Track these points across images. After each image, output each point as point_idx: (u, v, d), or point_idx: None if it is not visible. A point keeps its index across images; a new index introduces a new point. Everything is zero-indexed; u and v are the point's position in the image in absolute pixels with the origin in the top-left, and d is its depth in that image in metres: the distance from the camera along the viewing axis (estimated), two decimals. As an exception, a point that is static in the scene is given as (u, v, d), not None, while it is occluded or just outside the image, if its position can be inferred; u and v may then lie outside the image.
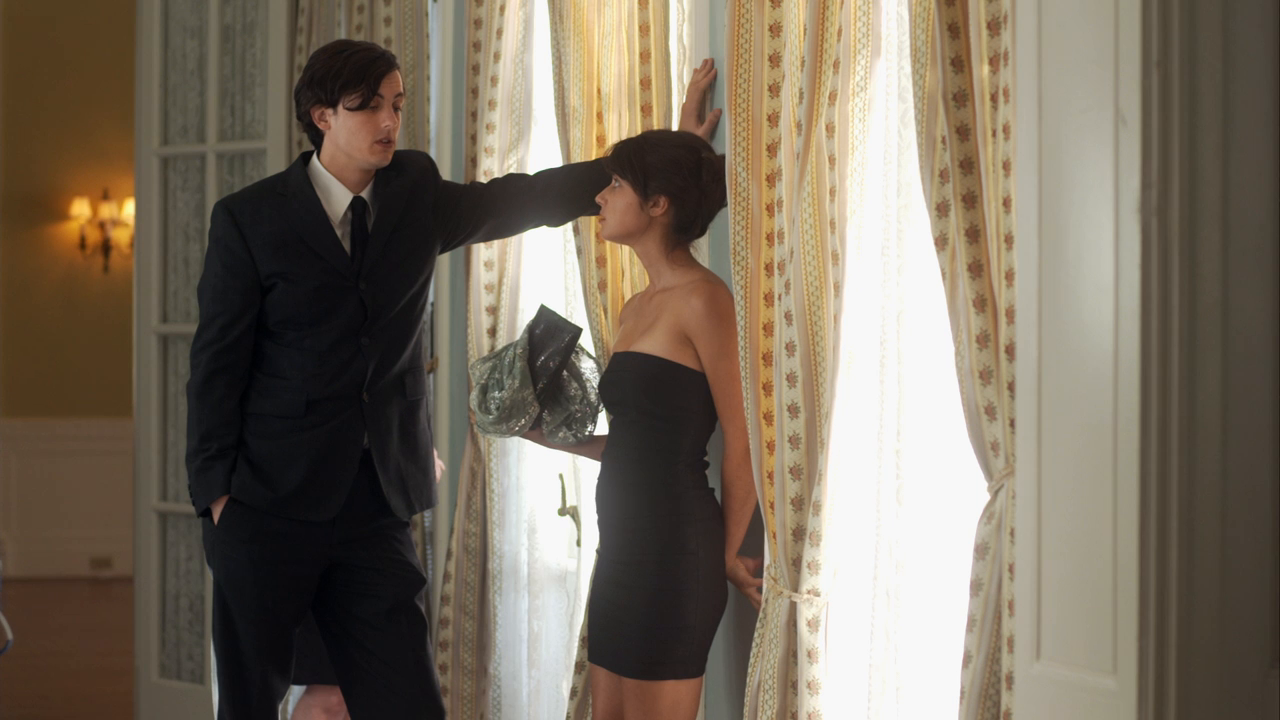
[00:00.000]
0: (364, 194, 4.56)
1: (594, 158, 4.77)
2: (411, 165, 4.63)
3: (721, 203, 4.37)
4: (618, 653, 4.32)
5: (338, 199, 4.55)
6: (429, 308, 4.77)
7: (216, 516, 4.53)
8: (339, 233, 4.54)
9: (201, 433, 4.54)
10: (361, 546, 4.57)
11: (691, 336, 4.30)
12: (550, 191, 4.70)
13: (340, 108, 4.48)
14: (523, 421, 4.59)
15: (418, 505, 4.64)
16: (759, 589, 4.27)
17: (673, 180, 4.33)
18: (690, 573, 4.27)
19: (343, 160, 4.53)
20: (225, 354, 4.53)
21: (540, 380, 4.57)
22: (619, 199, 4.37)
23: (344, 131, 4.49)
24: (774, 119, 4.15)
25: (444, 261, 5.60)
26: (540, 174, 4.76)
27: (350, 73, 4.46)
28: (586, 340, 4.80)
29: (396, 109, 4.52)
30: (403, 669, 4.55)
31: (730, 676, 4.53)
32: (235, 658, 4.56)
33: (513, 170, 5.32)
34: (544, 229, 5.03)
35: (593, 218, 4.78)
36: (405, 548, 4.62)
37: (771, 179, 4.16)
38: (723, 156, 4.30)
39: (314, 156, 4.58)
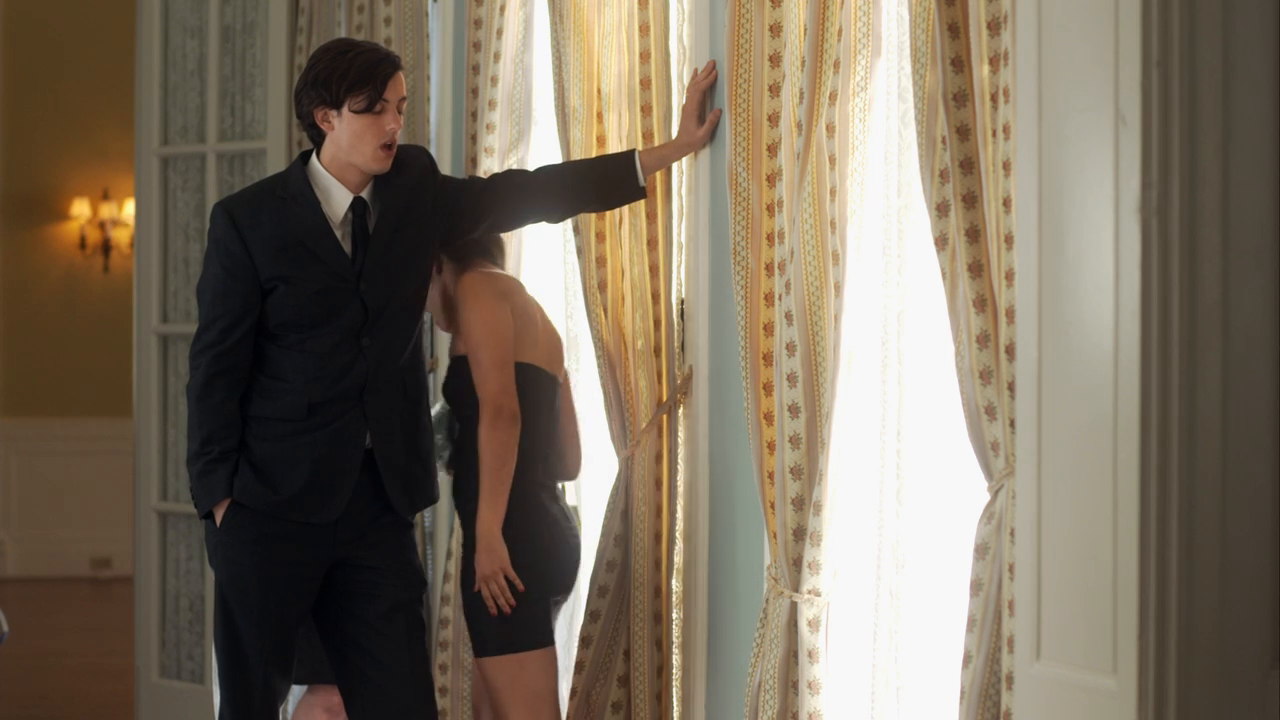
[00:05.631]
0: (364, 194, 4.55)
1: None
2: (412, 163, 4.61)
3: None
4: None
5: (338, 200, 4.53)
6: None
7: (219, 519, 4.53)
8: (339, 234, 4.53)
9: (203, 436, 4.53)
10: (364, 546, 4.57)
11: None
12: (551, 187, 4.69)
13: (345, 110, 4.46)
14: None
15: (421, 503, 4.64)
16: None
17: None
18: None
19: (344, 161, 4.52)
20: (226, 356, 4.51)
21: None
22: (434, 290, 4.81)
23: (348, 134, 4.48)
24: (774, 119, 4.16)
25: (444, 261, 5.59)
26: (541, 169, 4.76)
27: (356, 74, 4.44)
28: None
29: (400, 112, 4.51)
30: (398, 672, 4.53)
31: (730, 676, 4.53)
32: (237, 659, 4.55)
33: (513, 170, 5.32)
34: (543, 225, 5.03)
35: (593, 215, 4.78)
36: (408, 548, 4.61)
37: (772, 179, 4.17)
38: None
39: (313, 156, 4.57)
